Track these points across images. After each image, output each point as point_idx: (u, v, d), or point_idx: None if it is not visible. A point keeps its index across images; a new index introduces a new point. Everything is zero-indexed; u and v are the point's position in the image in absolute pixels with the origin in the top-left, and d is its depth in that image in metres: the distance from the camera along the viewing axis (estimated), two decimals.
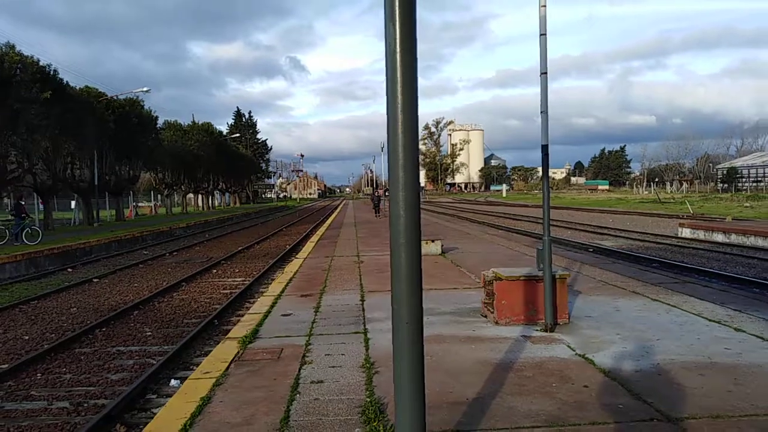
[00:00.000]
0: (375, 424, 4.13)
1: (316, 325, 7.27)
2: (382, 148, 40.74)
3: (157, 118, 39.35)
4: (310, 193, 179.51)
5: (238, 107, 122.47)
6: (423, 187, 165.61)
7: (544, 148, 6.70)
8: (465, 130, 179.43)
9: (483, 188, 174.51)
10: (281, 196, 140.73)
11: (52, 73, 25.21)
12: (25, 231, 20.36)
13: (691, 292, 8.78)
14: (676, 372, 5.07)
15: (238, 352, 6.12)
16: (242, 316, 8.60)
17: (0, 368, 7.37)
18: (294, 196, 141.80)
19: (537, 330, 6.67)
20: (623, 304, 8.05)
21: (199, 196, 65.13)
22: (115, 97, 34.01)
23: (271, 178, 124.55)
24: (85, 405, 6.18)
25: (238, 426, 4.21)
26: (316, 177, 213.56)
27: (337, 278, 11.13)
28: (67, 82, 26.80)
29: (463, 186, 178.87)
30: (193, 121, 58.47)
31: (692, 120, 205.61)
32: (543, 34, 6.59)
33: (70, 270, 17.49)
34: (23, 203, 21.62)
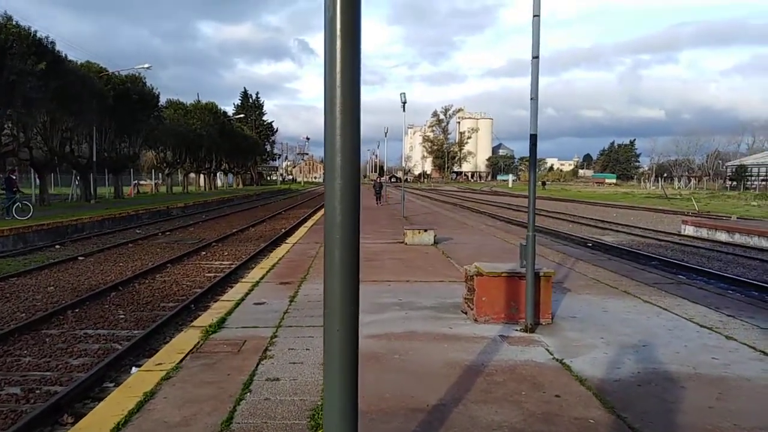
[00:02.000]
0: (321, 431, 3.80)
1: (288, 316, 6.94)
2: (385, 133, 40.27)
3: (158, 95, 38.93)
4: (316, 177, 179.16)
5: (245, 88, 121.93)
6: (429, 175, 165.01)
7: (533, 138, 6.30)
8: (474, 118, 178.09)
9: (490, 177, 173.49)
10: (287, 178, 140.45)
11: (49, 45, 24.80)
12: (15, 205, 20.11)
13: (686, 294, 8.40)
14: (657, 383, 4.72)
15: (198, 343, 5.80)
16: (218, 302, 8.29)
17: None
18: (299, 180, 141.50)
19: (517, 330, 6.33)
20: (612, 304, 7.68)
21: (202, 176, 64.85)
22: (116, 73, 33.60)
23: (276, 160, 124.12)
24: (37, 392, 5.88)
25: (176, 427, 3.89)
26: (322, 161, 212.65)
27: (321, 266, 10.76)
28: (65, 55, 26.44)
29: (469, 175, 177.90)
30: (197, 101, 58.03)
31: (702, 116, 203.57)
32: (536, 16, 6.17)
33: (58, 247, 17.24)
34: (14, 177, 21.35)
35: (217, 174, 71.06)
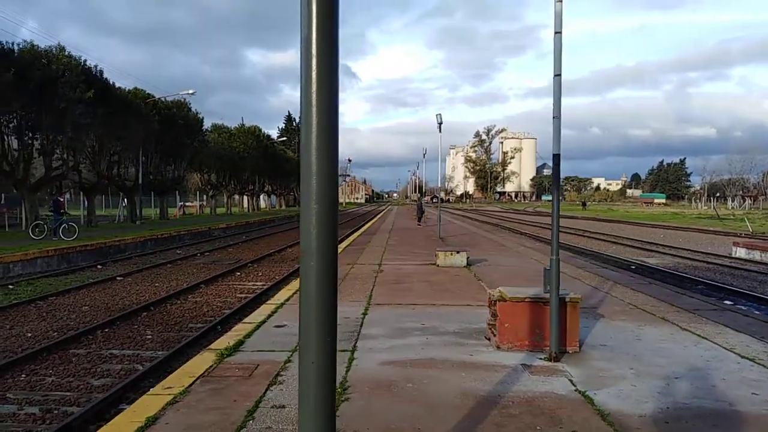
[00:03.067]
0: None
1: None
2: (424, 154, 40.17)
3: (202, 119, 40.09)
4: (357, 198, 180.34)
5: (289, 111, 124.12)
6: (471, 195, 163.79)
7: (556, 158, 6.06)
8: (517, 138, 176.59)
9: (534, 198, 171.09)
10: None
11: (98, 74, 25.89)
12: (62, 227, 20.83)
13: (729, 321, 7.89)
14: (687, 420, 4.37)
15: (210, 366, 5.74)
16: (240, 323, 8.25)
17: None
18: (341, 200, 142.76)
19: (540, 359, 6.02)
20: (647, 332, 7.26)
21: (245, 198, 66.11)
22: (162, 99, 34.77)
23: None
24: (55, 412, 5.93)
25: None
26: (365, 182, 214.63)
27: (348, 287, 10.68)
28: (113, 82, 27.55)
29: (513, 195, 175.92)
30: (241, 124, 59.46)
31: (756, 133, 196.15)
32: (558, 32, 5.97)
33: (99, 267, 17.71)
34: (62, 200, 22.17)
35: (261, 195, 72.31)
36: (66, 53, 24.29)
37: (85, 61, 25.17)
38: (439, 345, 6.60)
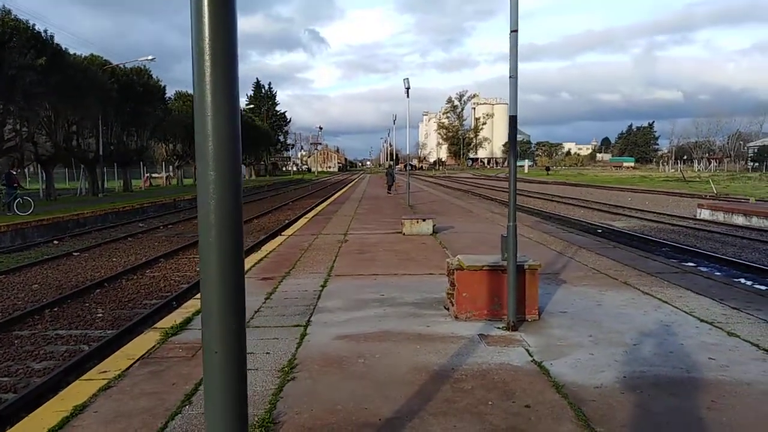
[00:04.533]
0: None
1: (258, 315, 6.55)
2: (394, 120, 39.69)
3: (164, 87, 38.72)
4: (330, 167, 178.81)
5: (257, 78, 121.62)
6: (444, 162, 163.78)
7: (512, 120, 5.79)
8: (489, 104, 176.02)
9: (506, 164, 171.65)
10: (303, 168, 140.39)
11: (49, 39, 24.59)
12: (16, 201, 20.01)
13: (690, 284, 7.85)
14: (643, 389, 4.24)
15: (153, 347, 5.43)
16: (191, 299, 7.93)
17: None
18: (314, 169, 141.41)
19: (498, 328, 5.86)
20: (609, 297, 7.17)
21: None
22: (120, 66, 33.39)
23: (290, 150, 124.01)
24: None
25: None
26: (337, 150, 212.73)
27: (310, 259, 10.39)
28: (66, 49, 26.20)
29: (486, 161, 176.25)
30: None
31: (721, 96, 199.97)
32: (514, 31, 5.62)
33: (56, 242, 17.07)
34: (14, 173, 21.26)
35: None
36: (13, 16, 22.95)
37: (34, 25, 23.85)
38: (395, 317, 6.38)
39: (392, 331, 5.84)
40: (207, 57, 1.73)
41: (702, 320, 6.06)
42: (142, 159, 41.80)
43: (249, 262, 10.29)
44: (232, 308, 1.89)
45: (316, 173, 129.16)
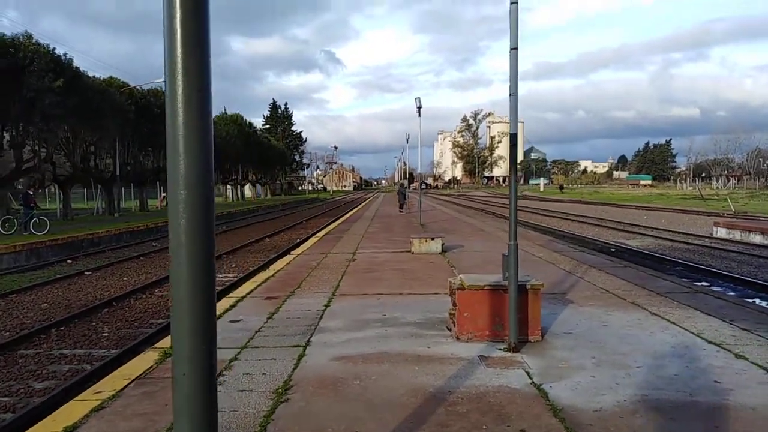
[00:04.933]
0: None
1: (259, 335, 6.52)
2: (407, 139, 39.77)
3: None
4: (345, 186, 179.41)
5: (274, 99, 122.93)
6: (458, 180, 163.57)
7: (513, 138, 5.76)
8: (504, 122, 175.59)
9: (522, 181, 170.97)
10: (319, 187, 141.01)
11: (67, 62, 25.13)
12: (32, 221, 20.31)
13: (700, 304, 7.67)
14: (642, 414, 4.12)
15: (150, 367, 5.41)
16: None
17: None
18: (329, 188, 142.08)
19: (500, 349, 5.76)
20: (615, 318, 7.03)
21: (228, 187, 65.40)
22: (138, 87, 34.01)
23: (305, 169, 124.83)
24: None
25: None
26: (353, 169, 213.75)
27: (317, 278, 10.37)
28: (84, 71, 26.75)
29: (501, 179, 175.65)
30: (222, 112, 58.57)
31: (739, 113, 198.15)
32: (514, 2, 5.63)
33: (69, 261, 17.26)
34: (31, 193, 21.61)
35: (246, 184, 71.57)
36: (33, 41, 23.53)
37: (54, 49, 24.40)
38: (396, 337, 6.31)
39: (391, 352, 5.76)
40: (179, 75, 1.72)
41: (710, 342, 5.90)
42: (159, 178, 42.27)
43: (256, 281, 10.30)
44: (202, 330, 1.86)
45: (331, 192, 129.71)
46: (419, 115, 23.27)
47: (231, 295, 9.15)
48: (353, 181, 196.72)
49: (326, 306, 7.97)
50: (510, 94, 5.61)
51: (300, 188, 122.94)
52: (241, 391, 4.75)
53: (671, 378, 4.86)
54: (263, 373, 5.17)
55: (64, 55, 25.05)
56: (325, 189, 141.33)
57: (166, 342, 6.31)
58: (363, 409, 4.30)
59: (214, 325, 1.86)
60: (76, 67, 25.85)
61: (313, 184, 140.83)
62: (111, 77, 32.49)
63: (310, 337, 6.34)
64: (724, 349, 5.66)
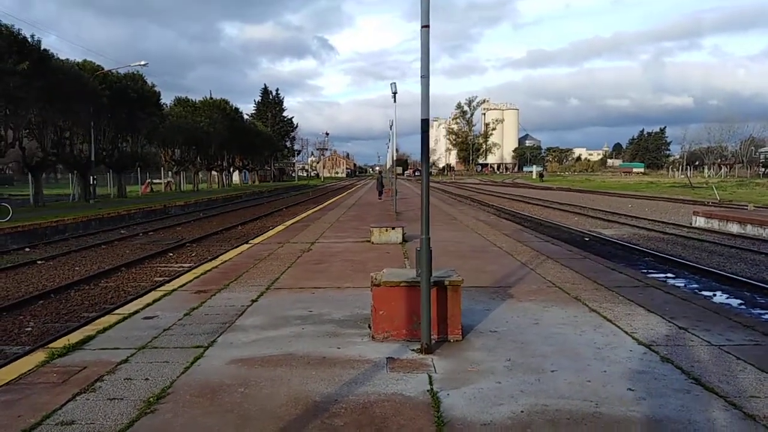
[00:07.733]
0: None
1: (166, 334, 6.09)
2: (391, 126, 39.17)
3: (159, 93, 38.53)
4: (338, 172, 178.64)
5: (265, 84, 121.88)
6: (453, 168, 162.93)
7: (424, 124, 5.31)
8: (499, 109, 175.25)
9: (516, 169, 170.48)
10: (312, 174, 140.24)
11: (35, 43, 24.40)
12: None
13: (645, 300, 7.29)
14: (536, 428, 3.72)
15: (28, 371, 4.99)
16: (109, 314, 7.49)
17: None
18: (321, 175, 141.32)
19: (413, 350, 5.36)
20: (550, 314, 6.64)
21: (214, 174, 64.71)
22: (113, 72, 33.25)
23: (296, 155, 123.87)
24: None
25: None
26: (347, 156, 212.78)
27: (260, 270, 9.95)
28: (52, 53, 25.98)
29: (495, 167, 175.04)
30: (207, 98, 57.71)
31: (731, 102, 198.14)
32: (425, 26, 5.15)
33: (27, 249, 16.77)
34: None
35: (233, 171, 70.85)
36: None
37: (20, 30, 23.69)
38: (310, 337, 5.90)
39: (297, 354, 5.36)
40: None
41: (640, 342, 5.52)
42: (140, 164, 41.67)
43: (196, 272, 9.87)
44: None
45: (322, 179, 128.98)
46: (395, 101, 22.76)
47: (162, 288, 8.71)
48: (347, 168, 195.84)
49: (254, 301, 7.55)
50: (421, 76, 5.15)
51: (291, 174, 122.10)
52: (111, 399, 4.33)
53: (582, 384, 4.47)
54: (146, 379, 4.75)
55: (32, 36, 24.35)
56: (317, 175, 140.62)
57: (61, 341, 5.87)
58: (231, 423, 3.89)
59: None
60: (44, 50, 25.10)
61: (306, 170, 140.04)
62: (85, 60, 31.78)
63: (218, 337, 5.92)
64: (653, 350, 5.27)
